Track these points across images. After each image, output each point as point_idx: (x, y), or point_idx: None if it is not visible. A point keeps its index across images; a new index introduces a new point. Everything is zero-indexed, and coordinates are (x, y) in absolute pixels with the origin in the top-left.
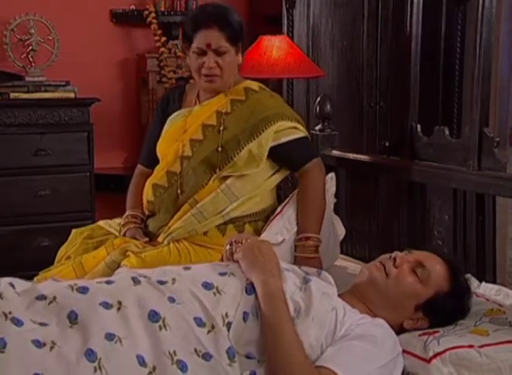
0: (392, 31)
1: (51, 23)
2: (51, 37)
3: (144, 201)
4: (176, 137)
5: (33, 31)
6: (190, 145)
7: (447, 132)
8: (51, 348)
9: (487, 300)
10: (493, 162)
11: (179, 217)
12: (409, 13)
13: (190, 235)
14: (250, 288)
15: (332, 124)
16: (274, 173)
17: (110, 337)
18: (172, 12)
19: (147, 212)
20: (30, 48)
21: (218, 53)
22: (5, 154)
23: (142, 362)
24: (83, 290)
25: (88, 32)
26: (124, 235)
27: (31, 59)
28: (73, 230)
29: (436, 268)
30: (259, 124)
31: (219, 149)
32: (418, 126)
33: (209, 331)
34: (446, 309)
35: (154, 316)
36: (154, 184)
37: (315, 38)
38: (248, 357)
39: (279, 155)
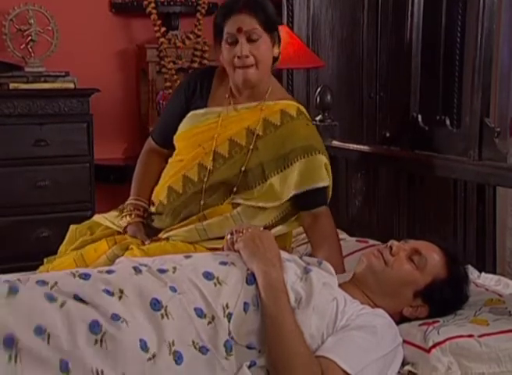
0: (393, 21)
1: (51, 13)
2: (50, 28)
3: (155, 199)
4: (200, 142)
5: (32, 21)
6: (212, 157)
7: (448, 122)
8: (62, 305)
9: (487, 290)
10: (494, 153)
11: (184, 225)
12: (410, 3)
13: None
14: (250, 278)
15: (332, 115)
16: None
17: (116, 317)
18: (172, 3)
19: (153, 209)
20: (30, 38)
21: (252, 40)
22: (5, 144)
23: (144, 346)
24: (85, 276)
25: (88, 22)
26: (125, 230)
27: (30, 50)
28: (71, 227)
29: (433, 255)
30: (287, 156)
31: (242, 169)
32: (419, 116)
33: (209, 322)
34: (444, 296)
35: (156, 305)
36: (170, 187)
37: (315, 28)
38: (249, 347)
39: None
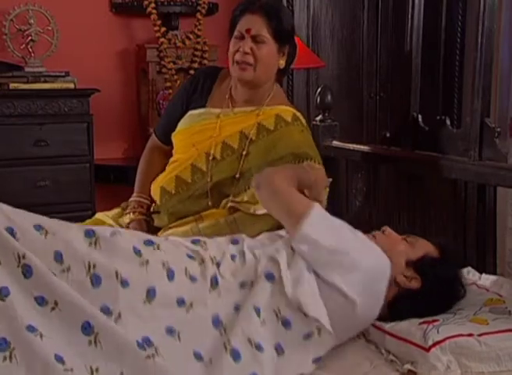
0: (393, 21)
1: (51, 13)
2: (50, 28)
3: (153, 196)
4: (194, 142)
5: (32, 22)
6: (205, 159)
7: (448, 122)
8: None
9: (487, 290)
10: (494, 153)
11: (180, 225)
12: (410, 3)
13: None
14: (235, 240)
15: (332, 115)
16: None
17: (111, 233)
18: (172, 3)
19: (152, 208)
20: (30, 38)
21: (256, 41)
22: (5, 144)
23: (137, 251)
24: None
25: (88, 22)
26: (127, 227)
27: (31, 50)
28: None
29: (426, 242)
30: (277, 162)
31: (237, 176)
32: (420, 116)
33: (200, 264)
34: (435, 271)
35: (149, 242)
36: (162, 188)
37: (315, 28)
38: (241, 286)
39: None
